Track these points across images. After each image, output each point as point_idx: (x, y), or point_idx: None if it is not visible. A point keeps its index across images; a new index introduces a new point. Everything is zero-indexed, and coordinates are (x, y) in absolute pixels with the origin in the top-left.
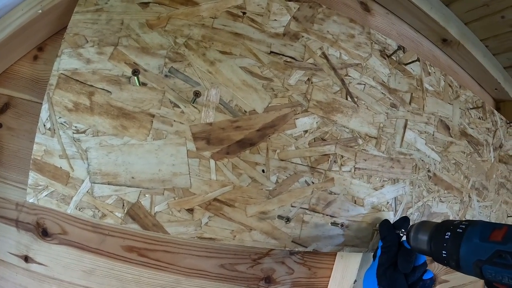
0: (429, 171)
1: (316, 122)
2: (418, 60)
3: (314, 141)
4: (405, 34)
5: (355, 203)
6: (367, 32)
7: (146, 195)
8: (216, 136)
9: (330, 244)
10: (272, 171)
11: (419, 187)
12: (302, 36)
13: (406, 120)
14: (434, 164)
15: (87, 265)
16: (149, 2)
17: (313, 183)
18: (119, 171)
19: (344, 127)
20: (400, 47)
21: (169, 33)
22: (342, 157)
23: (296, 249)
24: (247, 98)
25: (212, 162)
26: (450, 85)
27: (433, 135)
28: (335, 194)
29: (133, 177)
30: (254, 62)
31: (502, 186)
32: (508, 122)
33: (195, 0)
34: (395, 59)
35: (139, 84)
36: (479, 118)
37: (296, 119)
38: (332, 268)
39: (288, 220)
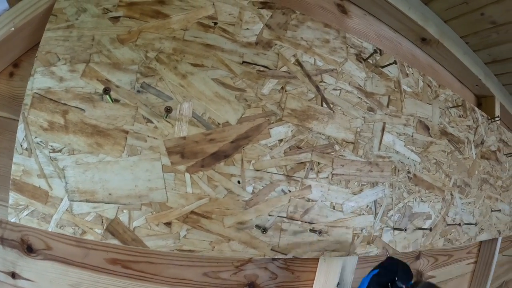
0: (409, 172)
1: (291, 131)
2: (395, 62)
3: (290, 149)
4: (384, 34)
5: (333, 208)
6: (342, 36)
7: (124, 211)
8: (190, 150)
9: (310, 250)
10: (248, 181)
11: (399, 188)
12: (275, 44)
13: (384, 123)
14: (414, 165)
15: (73, 279)
16: (119, 17)
17: (290, 191)
18: (96, 188)
19: (320, 134)
20: (376, 50)
21: (140, 48)
22: (319, 164)
23: (276, 257)
24: (220, 110)
25: (187, 175)
26: (429, 85)
27: (412, 136)
28: (313, 201)
29: (110, 194)
30: (226, 73)
31: (485, 181)
32: (489, 118)
33: (165, 12)
34: (371, 62)
35: (112, 101)
36: (460, 116)
37: (271, 128)
38: (315, 271)
39: (264, 230)
